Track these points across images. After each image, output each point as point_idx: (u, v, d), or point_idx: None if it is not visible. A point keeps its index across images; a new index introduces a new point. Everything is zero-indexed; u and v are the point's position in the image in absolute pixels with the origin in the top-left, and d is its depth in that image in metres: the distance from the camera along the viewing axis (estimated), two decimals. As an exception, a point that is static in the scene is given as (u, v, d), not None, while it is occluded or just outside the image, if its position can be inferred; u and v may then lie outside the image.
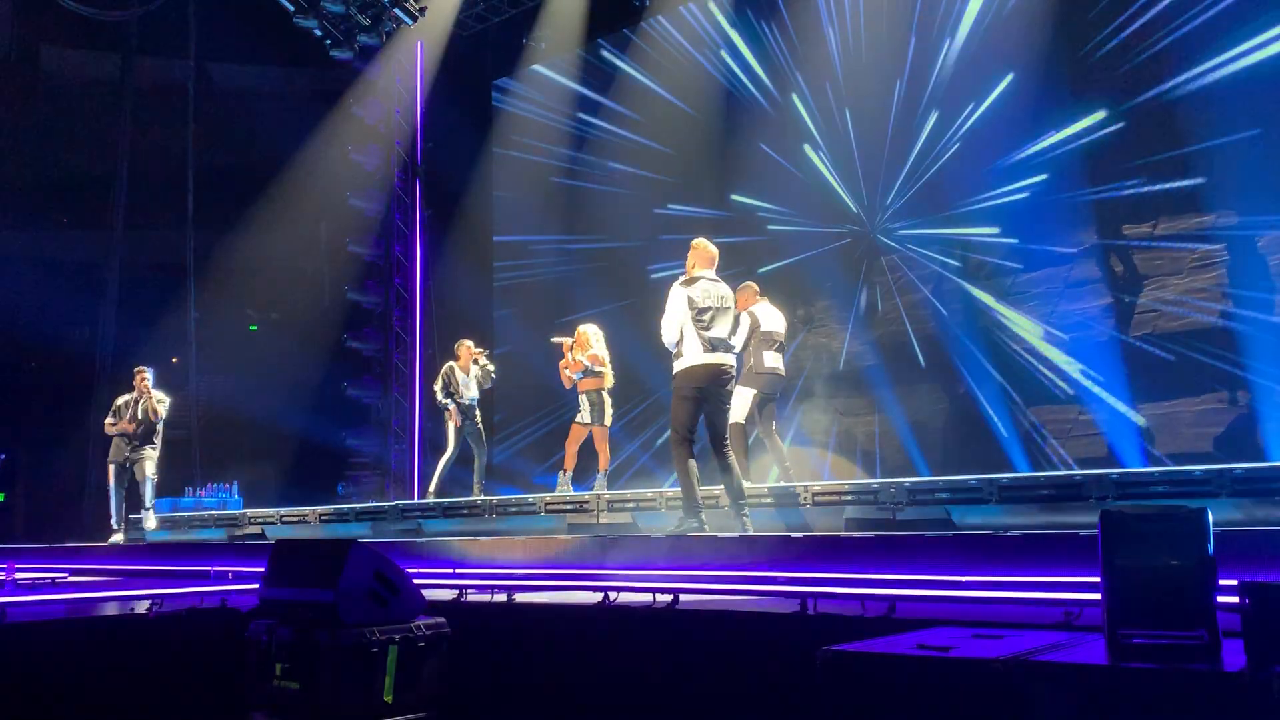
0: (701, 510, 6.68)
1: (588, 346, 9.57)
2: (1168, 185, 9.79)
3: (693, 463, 6.71)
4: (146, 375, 11.03)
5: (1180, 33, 9.68)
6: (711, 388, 6.72)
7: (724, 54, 13.17)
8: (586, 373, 9.49)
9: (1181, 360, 9.57)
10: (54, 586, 7.14)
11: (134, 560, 9.34)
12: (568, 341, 9.68)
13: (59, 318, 15.53)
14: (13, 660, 4.72)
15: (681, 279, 6.92)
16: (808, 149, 12.38)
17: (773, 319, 8.53)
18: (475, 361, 10.59)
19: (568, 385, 9.71)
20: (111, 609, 5.78)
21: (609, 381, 9.60)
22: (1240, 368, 9.16)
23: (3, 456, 12.80)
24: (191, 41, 16.14)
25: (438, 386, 10.57)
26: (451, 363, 10.61)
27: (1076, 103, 10.38)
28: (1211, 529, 2.97)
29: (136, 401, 10.95)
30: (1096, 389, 10.06)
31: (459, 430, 10.44)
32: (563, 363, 9.67)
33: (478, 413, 10.63)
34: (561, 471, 9.60)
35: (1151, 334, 9.86)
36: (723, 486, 6.87)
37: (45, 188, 15.01)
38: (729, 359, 6.86)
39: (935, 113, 11.44)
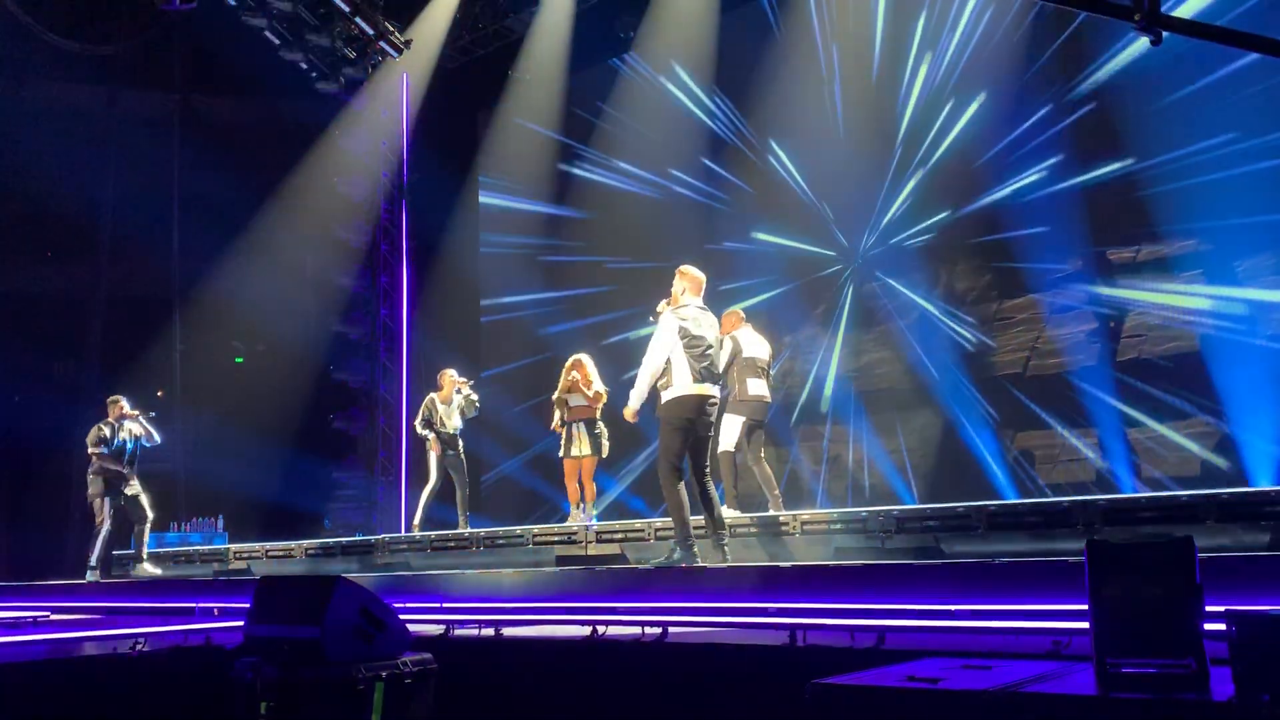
0: (694, 543, 6.64)
1: (589, 377, 9.48)
2: (1149, 209, 9.88)
3: (684, 491, 6.68)
4: (123, 402, 10.54)
5: (1157, 56, 9.78)
6: (699, 418, 6.71)
7: (707, 81, 13.27)
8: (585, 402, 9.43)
9: (1167, 385, 9.61)
10: (35, 626, 7.06)
11: (117, 598, 9.24)
12: (576, 377, 9.47)
13: (43, 350, 15.43)
14: (-7, 702, 4.66)
15: (669, 306, 6.90)
16: (793, 175, 12.46)
17: (755, 345, 8.51)
18: (458, 391, 10.54)
19: (558, 420, 9.56)
20: (94, 648, 5.71)
21: (599, 411, 9.54)
22: (1225, 392, 9.20)
23: (-15, 492, 12.64)
24: (177, 74, 16.18)
25: (418, 420, 10.54)
26: (433, 394, 10.58)
27: (1056, 133, 10.48)
28: (1198, 556, 2.98)
29: (116, 429, 10.44)
30: (1083, 414, 10.09)
31: (440, 460, 10.39)
32: (564, 387, 9.50)
33: (460, 442, 10.57)
34: (573, 507, 9.50)
35: (1137, 359, 9.92)
36: (704, 516, 6.84)
37: (30, 219, 14.97)
38: (716, 390, 6.85)
39: (917, 144, 11.54)
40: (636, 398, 6.85)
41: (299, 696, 4.26)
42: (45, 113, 15.19)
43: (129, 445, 10.49)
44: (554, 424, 9.58)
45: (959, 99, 11.19)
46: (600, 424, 9.48)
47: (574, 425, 9.41)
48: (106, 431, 10.42)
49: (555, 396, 9.55)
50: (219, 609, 7.11)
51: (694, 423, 6.67)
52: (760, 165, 12.71)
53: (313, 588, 4.54)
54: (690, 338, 6.65)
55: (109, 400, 10.65)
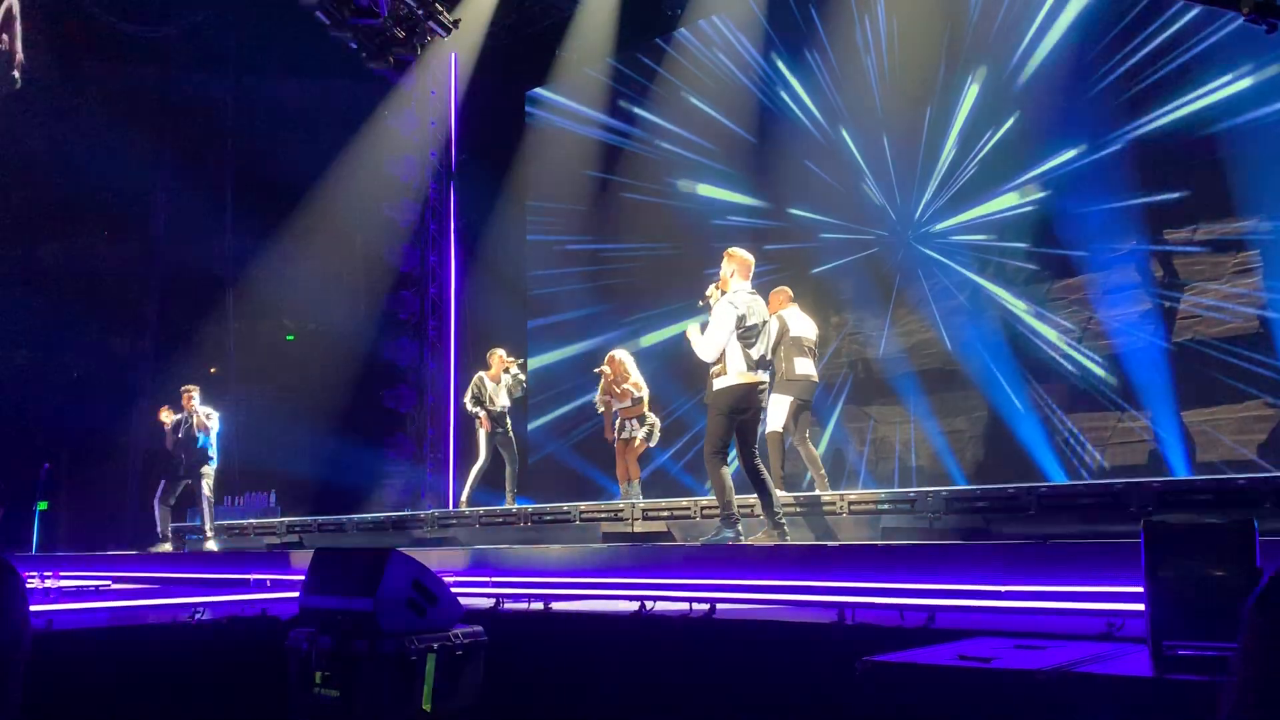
0: (738, 521, 6.68)
1: (626, 374, 9.64)
2: (1205, 190, 9.67)
3: (727, 474, 6.73)
4: (194, 394, 11.05)
5: (1213, 39, 9.56)
6: (748, 405, 6.74)
7: (757, 61, 13.17)
8: (634, 401, 9.58)
9: (1223, 366, 9.44)
10: (97, 594, 7.24)
11: (174, 568, 9.46)
12: (606, 371, 9.73)
13: (100, 328, 15.74)
14: (58, 668, 4.79)
15: (722, 291, 6.87)
16: (843, 154, 12.34)
17: (802, 325, 8.44)
18: (506, 370, 10.64)
19: (600, 409, 9.83)
20: (153, 617, 5.85)
21: (647, 403, 9.71)
22: (1282, 374, 9.02)
23: (46, 466, 12.96)
24: (231, 56, 16.35)
25: (467, 397, 10.64)
26: (481, 372, 10.67)
27: (1112, 110, 10.29)
28: (1259, 539, 2.93)
29: (185, 421, 10.98)
30: (1136, 396, 9.94)
31: (490, 437, 10.49)
32: (602, 389, 9.74)
33: (509, 420, 10.67)
34: (622, 485, 9.63)
35: (1192, 340, 9.74)
36: (756, 497, 6.85)
37: (86, 200, 15.23)
38: (765, 375, 6.91)
39: (971, 118, 11.39)
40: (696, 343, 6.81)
41: (353, 667, 4.35)
42: (101, 93, 15.42)
43: (185, 436, 10.96)
44: (606, 433, 9.87)
45: (1018, 81, 11.02)
46: (650, 414, 9.63)
47: (627, 420, 9.60)
48: (178, 419, 11.03)
49: (597, 399, 9.76)
50: (272, 580, 7.25)
51: (742, 410, 6.72)
52: (812, 142, 12.59)
53: (367, 560, 4.61)
54: (745, 327, 6.66)
55: (182, 389, 11.08)
